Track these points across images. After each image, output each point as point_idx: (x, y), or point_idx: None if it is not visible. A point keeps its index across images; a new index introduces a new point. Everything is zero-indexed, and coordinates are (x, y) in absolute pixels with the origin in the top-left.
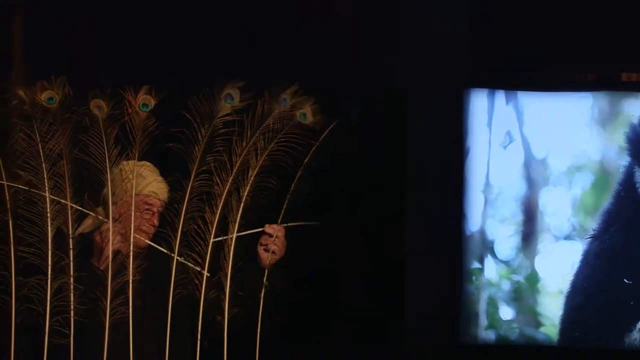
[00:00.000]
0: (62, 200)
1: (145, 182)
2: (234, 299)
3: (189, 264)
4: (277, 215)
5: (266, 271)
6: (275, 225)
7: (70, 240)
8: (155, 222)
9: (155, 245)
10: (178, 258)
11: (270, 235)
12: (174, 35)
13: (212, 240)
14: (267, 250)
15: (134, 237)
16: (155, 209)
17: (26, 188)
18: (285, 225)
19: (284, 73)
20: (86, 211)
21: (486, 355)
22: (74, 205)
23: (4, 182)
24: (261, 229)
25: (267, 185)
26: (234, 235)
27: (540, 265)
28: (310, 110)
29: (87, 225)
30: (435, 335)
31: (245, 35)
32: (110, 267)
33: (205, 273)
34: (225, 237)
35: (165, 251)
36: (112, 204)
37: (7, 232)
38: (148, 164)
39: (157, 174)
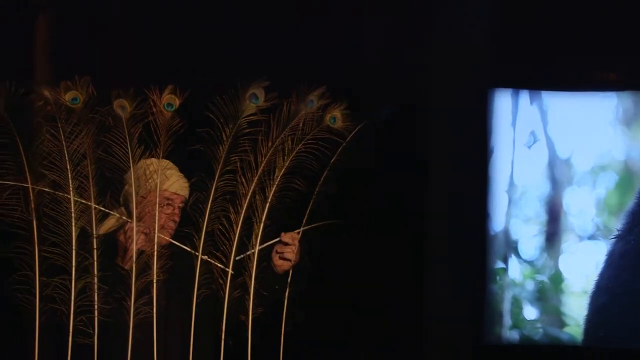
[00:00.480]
0: (87, 202)
1: (169, 181)
2: (258, 299)
3: (213, 262)
4: (301, 215)
5: (290, 272)
6: (291, 234)
7: (94, 240)
8: (177, 218)
9: (179, 244)
10: (202, 257)
11: (287, 244)
12: (198, 34)
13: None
14: (282, 258)
15: (157, 235)
16: (176, 204)
17: (47, 189)
18: (304, 228)
19: (310, 74)
20: (109, 211)
21: (510, 355)
22: (97, 206)
23: (29, 185)
24: (278, 239)
25: (293, 186)
26: (256, 249)
27: (564, 265)
28: (340, 115)
29: (110, 224)
30: (459, 336)
31: (270, 35)
32: (134, 267)
33: (230, 271)
34: (246, 254)
35: (189, 249)
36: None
37: (31, 232)
38: (169, 162)
39: (178, 171)
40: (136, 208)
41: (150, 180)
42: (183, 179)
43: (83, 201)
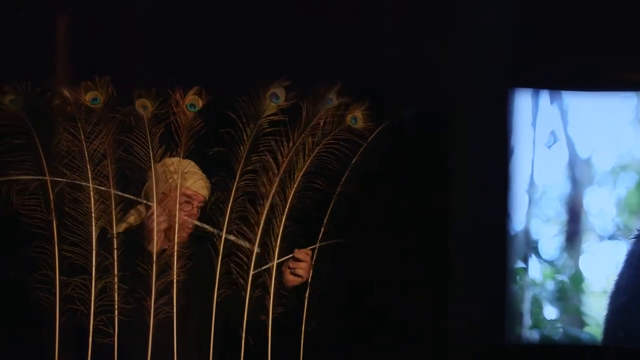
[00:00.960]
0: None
1: (191, 180)
2: (278, 299)
3: (239, 241)
4: (322, 215)
5: (311, 273)
6: (304, 250)
7: (115, 239)
8: (195, 217)
9: (204, 226)
10: (228, 237)
11: (299, 260)
12: (217, 34)
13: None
14: (293, 274)
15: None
16: (195, 203)
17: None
18: (318, 245)
19: (329, 72)
20: (131, 197)
21: (530, 355)
22: (118, 193)
23: (47, 178)
24: (291, 255)
25: (314, 186)
26: (274, 263)
27: (585, 265)
28: (361, 115)
29: (130, 222)
30: (479, 336)
31: (289, 34)
32: (154, 266)
33: (256, 248)
34: (265, 267)
35: (213, 230)
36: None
37: (51, 231)
38: (191, 162)
39: (200, 172)
40: (157, 204)
41: (170, 179)
42: (205, 179)
43: (101, 187)
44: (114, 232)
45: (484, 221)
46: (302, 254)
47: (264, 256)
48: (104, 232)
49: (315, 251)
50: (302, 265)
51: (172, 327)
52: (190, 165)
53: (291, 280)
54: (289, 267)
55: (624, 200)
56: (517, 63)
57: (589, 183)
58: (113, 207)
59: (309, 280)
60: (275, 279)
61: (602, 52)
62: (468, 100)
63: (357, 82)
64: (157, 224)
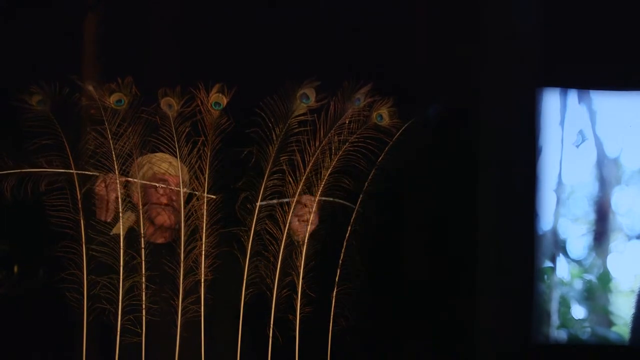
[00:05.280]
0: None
1: (163, 165)
2: (305, 298)
3: (274, 201)
4: (349, 214)
5: (338, 272)
6: (308, 195)
7: (142, 239)
8: (173, 197)
9: (267, 202)
10: (264, 203)
11: (305, 205)
12: (246, 32)
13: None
14: (301, 221)
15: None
16: (172, 185)
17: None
18: (323, 199)
19: (358, 72)
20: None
21: (558, 355)
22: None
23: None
24: (288, 199)
25: (341, 185)
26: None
27: (613, 264)
28: (387, 112)
29: (120, 226)
30: (507, 335)
31: (319, 33)
32: (182, 266)
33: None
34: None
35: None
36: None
37: (79, 231)
38: (165, 154)
39: (174, 159)
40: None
41: (142, 170)
42: (176, 161)
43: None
44: (142, 232)
45: (512, 220)
46: (306, 197)
47: (292, 256)
48: (132, 231)
49: (315, 204)
50: (309, 211)
51: (199, 327)
52: (164, 156)
53: (300, 229)
54: (296, 215)
55: None
56: (546, 62)
57: (617, 182)
58: (140, 206)
59: (337, 279)
60: (303, 278)
61: (631, 51)
62: (497, 99)
63: (385, 80)
64: (106, 193)
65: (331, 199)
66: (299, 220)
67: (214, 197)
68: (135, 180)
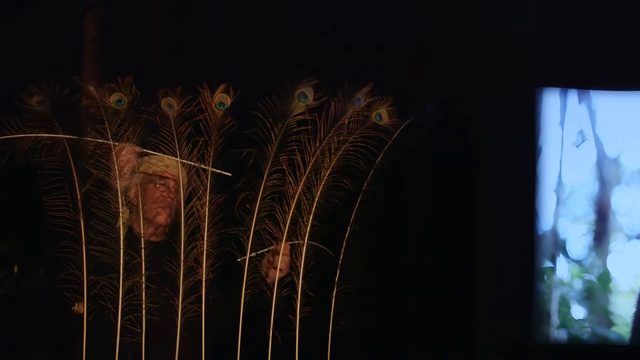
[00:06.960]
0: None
1: (162, 162)
2: (305, 299)
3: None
4: (348, 214)
5: (338, 272)
6: (284, 244)
7: (142, 239)
8: (172, 196)
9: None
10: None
11: (279, 253)
12: (246, 33)
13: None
14: (274, 268)
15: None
16: (171, 185)
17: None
18: (310, 243)
19: (358, 71)
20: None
21: (558, 355)
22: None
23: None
24: (270, 248)
25: (340, 185)
26: (304, 246)
27: (612, 264)
28: (386, 112)
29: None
30: (507, 335)
31: (319, 34)
32: (182, 265)
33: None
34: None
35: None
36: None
37: (78, 231)
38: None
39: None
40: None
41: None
42: (174, 160)
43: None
44: (142, 232)
45: (512, 220)
46: (282, 247)
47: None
48: (131, 231)
49: (304, 246)
50: (282, 259)
51: (199, 327)
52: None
53: (272, 274)
54: (269, 261)
55: None
56: (546, 62)
57: (617, 182)
58: (141, 207)
59: (336, 279)
60: (302, 278)
61: (630, 51)
62: (497, 99)
63: (385, 80)
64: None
65: (314, 244)
66: (271, 267)
67: (229, 174)
68: (153, 153)
